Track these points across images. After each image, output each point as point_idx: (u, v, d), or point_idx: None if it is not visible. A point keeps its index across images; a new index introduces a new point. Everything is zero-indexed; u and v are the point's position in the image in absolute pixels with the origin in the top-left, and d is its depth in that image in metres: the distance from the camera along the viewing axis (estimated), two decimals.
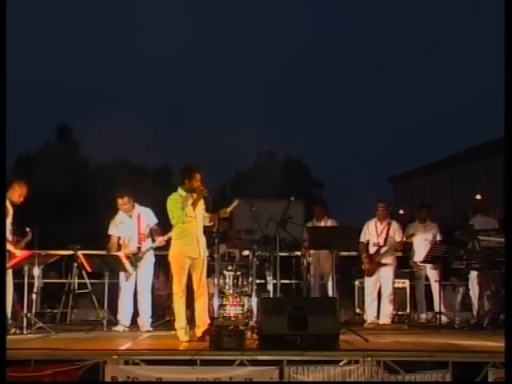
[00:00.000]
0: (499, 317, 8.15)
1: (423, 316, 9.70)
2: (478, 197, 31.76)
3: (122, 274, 8.44)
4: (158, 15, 77.72)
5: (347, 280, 10.07)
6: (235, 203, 7.28)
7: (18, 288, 8.08)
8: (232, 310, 8.41)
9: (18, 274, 8.07)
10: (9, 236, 7.66)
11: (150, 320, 8.45)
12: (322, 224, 9.62)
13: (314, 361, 5.82)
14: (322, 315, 6.17)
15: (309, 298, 8.76)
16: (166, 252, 7.36)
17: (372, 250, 9.34)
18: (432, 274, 9.55)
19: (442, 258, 8.97)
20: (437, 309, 9.14)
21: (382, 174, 48.70)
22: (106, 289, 8.67)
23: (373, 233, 9.37)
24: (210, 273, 8.24)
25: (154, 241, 8.44)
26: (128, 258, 8.32)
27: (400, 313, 9.82)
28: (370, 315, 9.26)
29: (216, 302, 7.86)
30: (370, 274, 9.29)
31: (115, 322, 8.43)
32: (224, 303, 8.40)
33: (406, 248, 9.65)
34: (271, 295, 8.73)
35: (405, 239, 9.38)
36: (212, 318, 7.07)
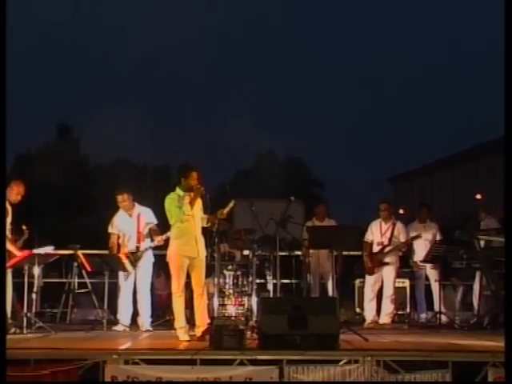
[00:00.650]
0: (499, 317, 8.14)
1: (423, 316, 9.70)
2: (478, 197, 31.75)
3: (121, 274, 8.46)
4: (159, 15, 77.73)
5: (347, 280, 10.06)
6: (231, 204, 7.28)
7: (18, 288, 8.08)
8: (232, 310, 8.42)
9: (17, 273, 8.07)
10: (8, 235, 7.67)
11: (150, 319, 8.46)
12: (323, 224, 9.61)
13: (313, 360, 5.83)
14: (322, 315, 6.17)
15: (309, 298, 8.76)
16: (166, 251, 7.36)
17: (376, 249, 9.33)
18: (432, 273, 9.55)
19: (442, 257, 8.97)
20: (437, 309, 9.14)
21: (382, 174, 48.68)
22: (106, 288, 8.67)
23: (377, 233, 9.37)
24: (210, 272, 8.24)
25: (152, 240, 8.45)
26: (127, 257, 8.34)
27: (400, 312, 9.82)
28: (368, 314, 9.26)
29: (216, 301, 7.87)
30: (371, 273, 9.29)
31: (115, 322, 8.43)
32: (224, 303, 8.42)
33: (407, 248, 9.64)
34: (271, 295, 8.73)
35: (410, 240, 9.38)
36: (212, 318, 7.07)
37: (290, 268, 9.94)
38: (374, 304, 9.27)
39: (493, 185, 29.19)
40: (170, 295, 7.37)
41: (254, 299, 8.17)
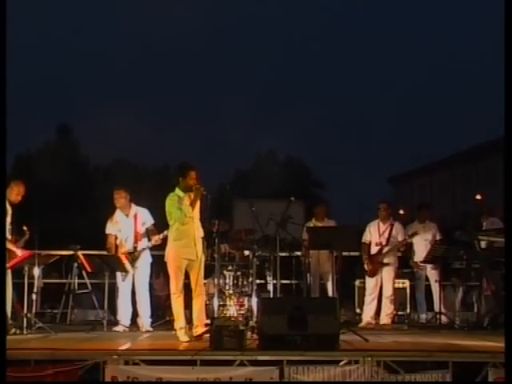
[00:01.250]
0: (499, 317, 8.14)
1: (423, 316, 9.70)
2: (478, 197, 31.76)
3: (118, 275, 8.46)
4: (159, 15, 77.77)
5: (347, 280, 10.06)
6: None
7: (18, 288, 8.09)
8: (232, 310, 8.41)
9: (18, 274, 8.07)
10: (8, 236, 7.67)
11: (150, 320, 8.46)
12: (322, 224, 9.61)
13: (314, 361, 5.82)
14: (322, 315, 6.16)
15: (309, 298, 8.75)
16: (163, 252, 7.36)
17: (374, 250, 9.33)
18: (432, 273, 9.54)
19: (442, 257, 8.97)
20: (437, 309, 9.14)
21: (381, 174, 48.70)
22: (106, 289, 8.67)
23: (375, 233, 9.35)
24: (210, 273, 8.24)
25: (149, 240, 8.45)
26: (126, 257, 8.34)
27: (400, 313, 9.81)
28: (366, 315, 9.25)
29: (216, 302, 7.87)
30: (372, 275, 9.28)
31: (115, 322, 8.43)
32: (224, 303, 8.41)
33: (406, 248, 9.64)
34: (271, 295, 8.73)
35: (407, 238, 9.37)
36: (212, 318, 7.07)
37: (290, 268, 9.94)
38: (372, 306, 9.25)
39: (493, 185, 29.21)
40: (169, 296, 7.37)
41: (254, 299, 8.16)
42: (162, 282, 10.14)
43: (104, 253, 8.74)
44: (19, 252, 7.78)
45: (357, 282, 10.08)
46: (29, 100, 58.75)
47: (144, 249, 8.47)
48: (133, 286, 8.47)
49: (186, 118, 63.28)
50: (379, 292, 9.30)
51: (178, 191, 7.18)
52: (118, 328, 8.33)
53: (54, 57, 72.16)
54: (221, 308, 8.29)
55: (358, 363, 5.79)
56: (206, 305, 8.99)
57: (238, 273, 8.63)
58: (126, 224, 8.51)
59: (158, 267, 8.99)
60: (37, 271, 8.23)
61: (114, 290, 8.70)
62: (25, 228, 8.31)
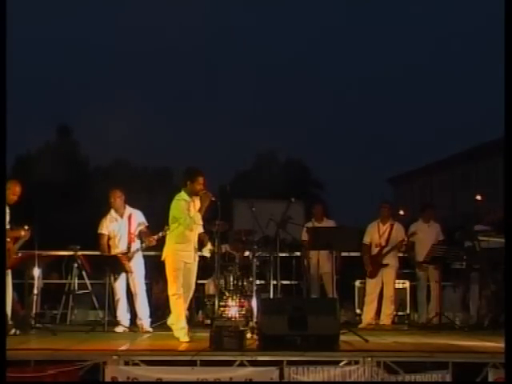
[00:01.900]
0: (499, 318, 8.14)
1: (423, 316, 9.69)
2: (478, 197, 31.77)
3: (111, 276, 8.44)
4: (159, 15, 77.76)
5: (347, 280, 10.06)
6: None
7: (19, 289, 8.08)
8: (232, 311, 8.41)
9: (18, 274, 8.06)
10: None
11: (150, 320, 8.45)
12: (322, 225, 9.60)
13: (314, 361, 5.83)
14: (322, 315, 6.17)
15: (309, 299, 8.76)
16: (160, 252, 7.35)
17: (374, 251, 9.32)
18: (432, 274, 9.54)
19: (442, 258, 8.96)
20: (437, 309, 9.13)
21: (382, 175, 48.73)
22: (107, 289, 8.66)
23: (375, 234, 9.35)
24: (211, 273, 8.23)
25: (142, 242, 8.44)
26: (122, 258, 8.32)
27: (400, 313, 9.81)
28: (366, 316, 9.25)
29: (216, 302, 7.87)
30: (373, 276, 9.27)
31: (115, 323, 8.43)
32: (224, 304, 8.41)
33: (408, 248, 9.64)
34: (271, 296, 8.72)
35: (406, 238, 9.36)
36: (212, 319, 7.07)
37: (290, 269, 9.93)
38: (372, 306, 9.26)
39: (493, 185, 29.21)
40: (168, 297, 7.36)
41: (254, 300, 8.16)
42: (161, 287, 10.12)
43: (104, 253, 8.73)
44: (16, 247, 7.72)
45: (357, 283, 10.08)
46: (29, 100, 58.78)
47: (138, 249, 8.46)
48: (129, 287, 8.47)
49: (186, 118, 63.33)
50: (379, 292, 9.30)
51: (184, 195, 7.15)
52: (118, 328, 8.33)
53: (54, 57, 72.20)
54: (221, 308, 8.29)
55: (358, 364, 5.80)
56: (206, 305, 9.04)
57: (238, 273, 8.63)
58: (120, 225, 8.49)
59: (157, 272, 8.96)
60: (37, 272, 8.22)
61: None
62: (26, 228, 8.28)
